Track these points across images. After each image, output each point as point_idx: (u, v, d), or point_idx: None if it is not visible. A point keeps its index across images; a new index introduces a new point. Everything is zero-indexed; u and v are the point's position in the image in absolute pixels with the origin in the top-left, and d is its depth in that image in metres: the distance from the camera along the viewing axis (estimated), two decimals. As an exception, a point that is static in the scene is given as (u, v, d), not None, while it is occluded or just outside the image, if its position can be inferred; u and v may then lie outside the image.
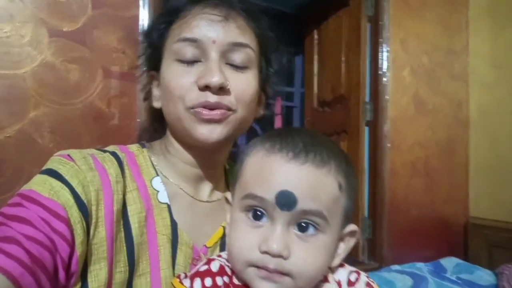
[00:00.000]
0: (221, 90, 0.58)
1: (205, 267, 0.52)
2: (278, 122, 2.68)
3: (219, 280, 0.50)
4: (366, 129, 2.21)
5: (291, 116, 3.28)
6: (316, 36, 2.67)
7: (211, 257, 0.55)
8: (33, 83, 1.33)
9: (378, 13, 2.13)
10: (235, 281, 0.52)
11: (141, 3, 1.51)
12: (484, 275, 1.89)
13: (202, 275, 0.51)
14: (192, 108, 0.59)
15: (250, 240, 0.48)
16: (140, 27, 1.51)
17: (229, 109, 0.60)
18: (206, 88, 0.58)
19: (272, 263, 0.46)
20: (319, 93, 2.63)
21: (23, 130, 1.32)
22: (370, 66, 2.19)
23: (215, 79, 0.57)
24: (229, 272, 0.52)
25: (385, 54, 2.14)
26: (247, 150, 0.53)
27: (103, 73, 1.45)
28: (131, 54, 1.48)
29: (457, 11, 2.45)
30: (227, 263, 0.53)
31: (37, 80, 1.34)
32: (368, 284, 0.56)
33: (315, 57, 2.66)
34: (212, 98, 0.58)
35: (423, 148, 2.28)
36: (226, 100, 0.59)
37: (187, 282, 0.51)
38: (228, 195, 0.56)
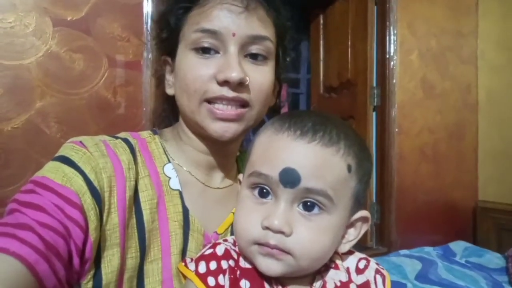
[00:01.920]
0: (240, 85, 0.57)
1: (210, 250, 0.52)
2: (284, 109, 2.67)
3: (224, 264, 0.50)
4: (374, 114, 2.19)
5: (297, 103, 3.26)
6: (322, 21, 2.63)
7: (217, 242, 0.55)
8: (38, 73, 1.33)
9: (385, -5, 2.09)
10: (242, 264, 0.52)
11: (144, -10, 1.50)
12: (493, 258, 1.89)
13: (207, 258, 0.51)
14: (208, 101, 0.58)
15: (254, 216, 0.48)
16: (144, 14, 1.50)
17: (246, 104, 0.59)
18: (224, 83, 0.57)
19: (273, 239, 0.46)
20: (325, 79, 2.60)
21: (30, 121, 1.32)
22: (377, 50, 2.16)
23: (234, 75, 0.56)
24: (235, 256, 0.52)
25: (392, 38, 2.10)
26: (258, 131, 0.54)
27: (108, 62, 1.44)
28: (135, 42, 1.47)
29: (466, -8, 2.40)
30: (232, 247, 0.53)
31: (42, 70, 1.34)
32: (377, 271, 0.56)
33: (321, 42, 2.63)
34: (229, 93, 0.57)
35: (432, 133, 2.26)
36: (244, 95, 0.58)
37: (192, 266, 0.51)
38: (241, 176, 0.56)
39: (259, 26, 0.59)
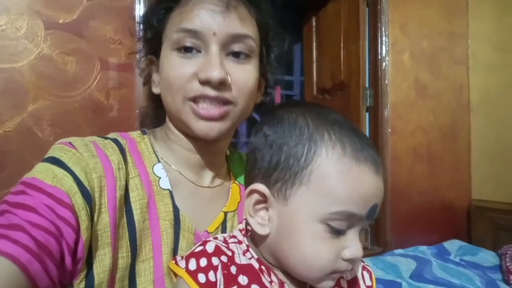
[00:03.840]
0: (222, 84, 0.58)
1: (200, 248, 0.52)
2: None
3: (215, 260, 0.50)
4: (367, 115, 2.20)
5: (291, 104, 3.27)
6: (314, 23, 2.64)
7: (207, 239, 0.55)
8: (31, 76, 1.33)
9: (376, -3, 2.11)
10: (238, 260, 0.52)
11: (136, -8, 1.50)
12: (487, 256, 1.91)
13: (197, 255, 0.51)
14: (191, 99, 0.58)
15: (331, 251, 0.48)
16: (137, 16, 1.50)
17: (228, 102, 0.59)
18: (206, 82, 0.57)
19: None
20: (318, 81, 2.61)
21: (23, 124, 1.32)
22: (369, 51, 2.17)
23: (215, 74, 0.56)
24: (228, 252, 0.52)
25: (384, 39, 2.12)
26: (311, 142, 0.48)
27: (101, 64, 1.44)
28: (128, 44, 1.47)
29: (456, -7, 2.42)
30: (223, 244, 0.53)
31: (35, 73, 1.33)
32: (364, 267, 0.59)
33: (314, 44, 2.64)
34: (211, 92, 0.57)
35: (425, 133, 2.28)
36: (226, 94, 0.59)
37: (182, 263, 0.51)
38: (261, 187, 0.51)
39: (240, 24, 0.60)
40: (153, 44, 0.65)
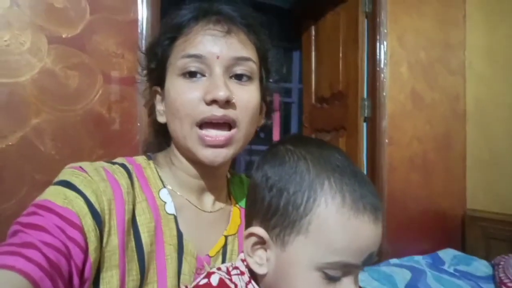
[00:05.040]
0: (227, 103, 0.61)
1: (205, 280, 0.54)
2: (276, 118, 2.69)
3: None
4: (364, 125, 2.22)
5: (289, 112, 3.28)
6: (313, 32, 2.66)
7: (211, 271, 0.57)
8: (33, 91, 1.34)
9: (375, 9, 2.13)
10: None
11: (139, 7, 1.51)
12: (481, 266, 1.93)
13: None
14: (199, 125, 0.61)
15: None
16: (139, 31, 1.51)
17: (233, 123, 0.62)
18: (212, 102, 0.60)
19: None
20: (317, 89, 2.63)
21: (25, 138, 1.33)
22: (367, 62, 2.19)
23: (221, 93, 0.59)
24: (231, 286, 0.53)
25: (382, 51, 2.14)
26: (311, 191, 0.49)
27: (103, 78, 1.45)
28: (130, 58, 1.48)
29: (453, 5, 2.44)
30: (227, 276, 0.55)
31: (37, 87, 1.34)
32: None
33: (313, 53, 2.66)
34: (218, 111, 0.60)
35: (421, 143, 2.30)
36: (231, 113, 0.61)
37: None
38: (259, 230, 0.53)
39: (241, 48, 0.63)
40: (157, 74, 0.67)
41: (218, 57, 0.61)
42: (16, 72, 1.32)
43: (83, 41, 1.42)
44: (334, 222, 0.48)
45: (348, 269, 0.49)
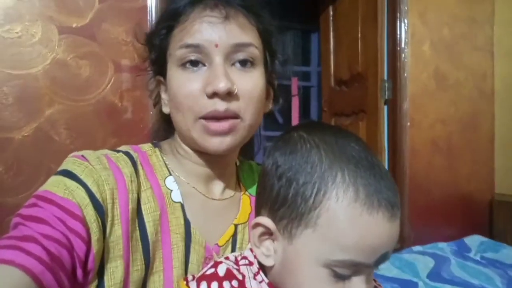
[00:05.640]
0: (229, 94, 0.58)
1: (212, 270, 0.52)
2: (295, 103, 2.64)
3: (226, 285, 0.50)
4: (385, 107, 2.15)
5: (309, 96, 3.22)
6: (331, 12, 2.58)
7: (218, 260, 0.55)
8: (46, 81, 1.35)
9: (395, -15, 2.04)
10: (248, 285, 0.51)
11: (148, -7, 1.49)
12: (510, 253, 1.86)
13: (208, 278, 0.51)
14: (202, 118, 0.59)
15: None
16: (149, 17, 1.50)
17: (237, 116, 0.59)
18: (214, 95, 0.57)
19: None
20: (336, 72, 2.56)
21: (40, 128, 1.35)
22: (387, 42, 2.11)
23: (222, 85, 0.56)
24: (239, 276, 0.52)
25: (403, 29, 2.05)
26: (322, 183, 0.46)
27: (114, 67, 1.45)
28: (141, 46, 1.47)
29: (480, -23, 2.31)
30: (235, 266, 0.53)
31: (49, 78, 1.36)
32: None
33: (331, 34, 2.58)
34: (221, 105, 0.57)
35: (445, 125, 2.21)
36: (234, 105, 0.59)
37: (193, 285, 0.51)
38: (266, 221, 0.51)
39: (240, 33, 0.60)
40: (159, 64, 0.65)
41: (217, 45, 0.58)
42: (29, 63, 1.33)
43: (93, 30, 1.42)
44: (345, 217, 0.44)
45: (358, 268, 0.46)
